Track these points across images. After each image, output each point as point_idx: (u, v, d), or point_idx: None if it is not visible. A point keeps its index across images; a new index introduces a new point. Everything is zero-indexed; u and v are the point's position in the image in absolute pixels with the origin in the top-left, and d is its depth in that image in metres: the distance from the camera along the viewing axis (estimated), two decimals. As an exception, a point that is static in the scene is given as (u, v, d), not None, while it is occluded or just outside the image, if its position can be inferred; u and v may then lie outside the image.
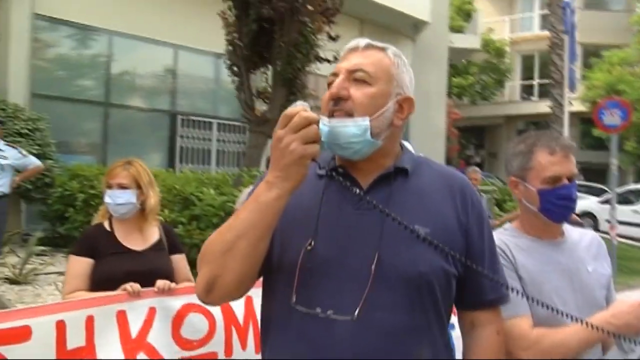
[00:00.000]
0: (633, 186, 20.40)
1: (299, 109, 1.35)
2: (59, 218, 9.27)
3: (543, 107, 19.93)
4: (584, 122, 26.22)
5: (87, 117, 11.89)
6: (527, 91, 32.29)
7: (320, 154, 1.53)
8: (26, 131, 9.26)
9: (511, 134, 30.40)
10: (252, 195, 1.42)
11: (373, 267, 1.42)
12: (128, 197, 3.16)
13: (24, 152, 7.31)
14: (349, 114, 1.47)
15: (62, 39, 11.46)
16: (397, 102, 1.55)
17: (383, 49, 1.59)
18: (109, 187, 3.17)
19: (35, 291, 7.17)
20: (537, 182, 2.04)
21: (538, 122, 27.82)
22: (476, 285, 1.59)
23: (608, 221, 11.37)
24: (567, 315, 1.70)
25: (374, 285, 1.42)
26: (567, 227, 2.17)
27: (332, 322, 1.41)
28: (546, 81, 20.19)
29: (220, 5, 9.34)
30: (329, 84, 1.54)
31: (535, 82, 31.37)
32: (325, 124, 1.46)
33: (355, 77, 1.52)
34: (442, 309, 1.51)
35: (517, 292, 1.62)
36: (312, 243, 1.46)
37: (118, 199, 3.14)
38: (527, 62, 32.34)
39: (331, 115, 1.48)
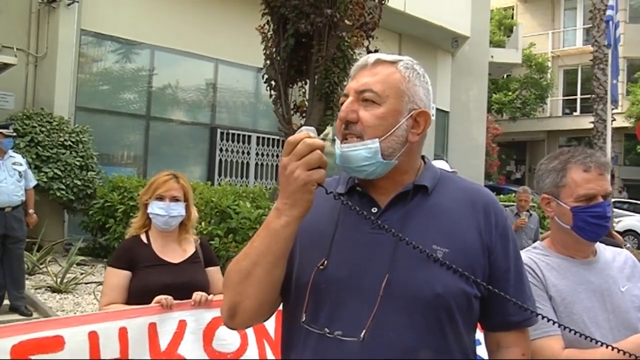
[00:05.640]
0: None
1: (303, 135, 1.34)
2: (99, 229, 9.45)
3: (585, 122, 19.60)
4: (628, 137, 25.66)
5: (129, 130, 12.14)
6: (569, 106, 31.77)
7: (341, 173, 1.55)
8: (70, 143, 9.52)
9: (553, 150, 29.76)
10: (264, 223, 1.43)
11: (382, 288, 1.40)
12: (180, 209, 3.22)
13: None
14: (360, 137, 1.46)
15: (106, 54, 11.75)
16: (411, 117, 1.51)
17: (394, 63, 1.54)
18: (161, 199, 3.18)
19: (75, 300, 7.32)
20: (570, 199, 1.99)
21: (580, 138, 27.35)
22: (501, 306, 1.53)
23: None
24: (596, 341, 1.66)
25: (383, 307, 1.40)
26: (599, 247, 2.12)
27: (341, 342, 1.40)
28: (589, 96, 19.86)
29: (259, 20, 9.44)
30: (342, 104, 1.53)
31: (578, 97, 30.85)
32: (337, 148, 1.48)
33: (364, 97, 1.49)
34: (462, 330, 1.47)
35: (543, 317, 1.57)
36: (325, 262, 1.46)
37: (172, 211, 3.18)
38: (570, 77, 31.83)
39: (344, 137, 1.48)
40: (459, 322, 1.46)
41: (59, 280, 7.69)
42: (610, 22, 11.88)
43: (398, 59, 1.55)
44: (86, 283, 7.97)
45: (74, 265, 8.20)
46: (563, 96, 32.00)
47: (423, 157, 1.63)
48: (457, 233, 1.49)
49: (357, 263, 1.45)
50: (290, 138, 1.35)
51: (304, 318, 1.46)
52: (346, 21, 8.88)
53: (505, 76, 29.36)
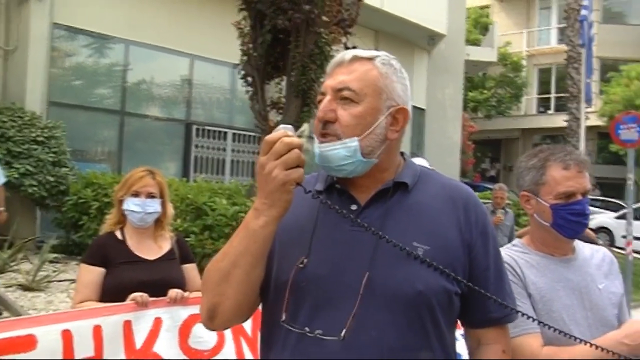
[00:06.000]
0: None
1: (281, 134, 1.32)
2: (73, 226, 9.29)
3: (559, 120, 19.86)
4: (602, 136, 26.02)
5: (103, 126, 11.94)
6: (543, 105, 32.13)
7: (319, 171, 1.53)
8: (42, 139, 9.32)
9: (527, 148, 30.14)
10: (243, 222, 1.41)
11: (362, 286, 1.39)
12: (156, 206, 3.17)
13: None
14: (338, 136, 1.44)
15: (80, 48, 11.54)
16: (390, 114, 1.49)
17: (371, 59, 1.52)
18: (136, 195, 3.14)
19: (47, 298, 7.18)
20: (550, 197, 2.00)
21: (554, 136, 27.65)
22: (481, 303, 1.53)
23: (624, 237, 11.24)
24: (575, 338, 1.67)
25: (364, 305, 1.38)
26: (578, 244, 2.13)
27: (321, 341, 1.38)
28: (563, 95, 20.10)
29: (236, 15, 9.36)
30: (319, 102, 1.51)
31: (552, 95, 31.21)
32: (316, 148, 1.46)
33: (342, 95, 1.47)
34: (443, 328, 1.47)
35: (523, 314, 1.58)
36: (305, 261, 1.44)
37: (148, 208, 3.14)
38: (544, 76, 32.18)
39: (323, 136, 1.46)
40: (440, 320, 1.45)
41: (30, 278, 7.53)
42: (585, 22, 12.04)
43: (375, 55, 1.53)
44: (59, 281, 7.83)
45: (47, 263, 8.02)
46: (537, 95, 32.35)
47: (403, 154, 1.61)
48: (438, 230, 1.48)
49: (337, 261, 1.44)
50: (268, 137, 1.33)
51: (284, 317, 1.44)
52: (324, 17, 8.84)
53: (481, 74, 29.60)
